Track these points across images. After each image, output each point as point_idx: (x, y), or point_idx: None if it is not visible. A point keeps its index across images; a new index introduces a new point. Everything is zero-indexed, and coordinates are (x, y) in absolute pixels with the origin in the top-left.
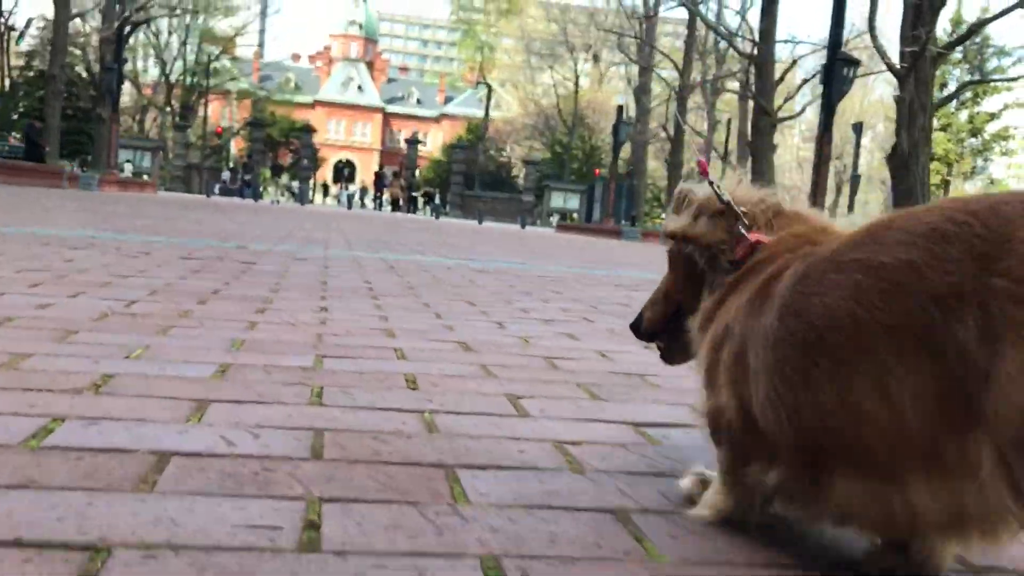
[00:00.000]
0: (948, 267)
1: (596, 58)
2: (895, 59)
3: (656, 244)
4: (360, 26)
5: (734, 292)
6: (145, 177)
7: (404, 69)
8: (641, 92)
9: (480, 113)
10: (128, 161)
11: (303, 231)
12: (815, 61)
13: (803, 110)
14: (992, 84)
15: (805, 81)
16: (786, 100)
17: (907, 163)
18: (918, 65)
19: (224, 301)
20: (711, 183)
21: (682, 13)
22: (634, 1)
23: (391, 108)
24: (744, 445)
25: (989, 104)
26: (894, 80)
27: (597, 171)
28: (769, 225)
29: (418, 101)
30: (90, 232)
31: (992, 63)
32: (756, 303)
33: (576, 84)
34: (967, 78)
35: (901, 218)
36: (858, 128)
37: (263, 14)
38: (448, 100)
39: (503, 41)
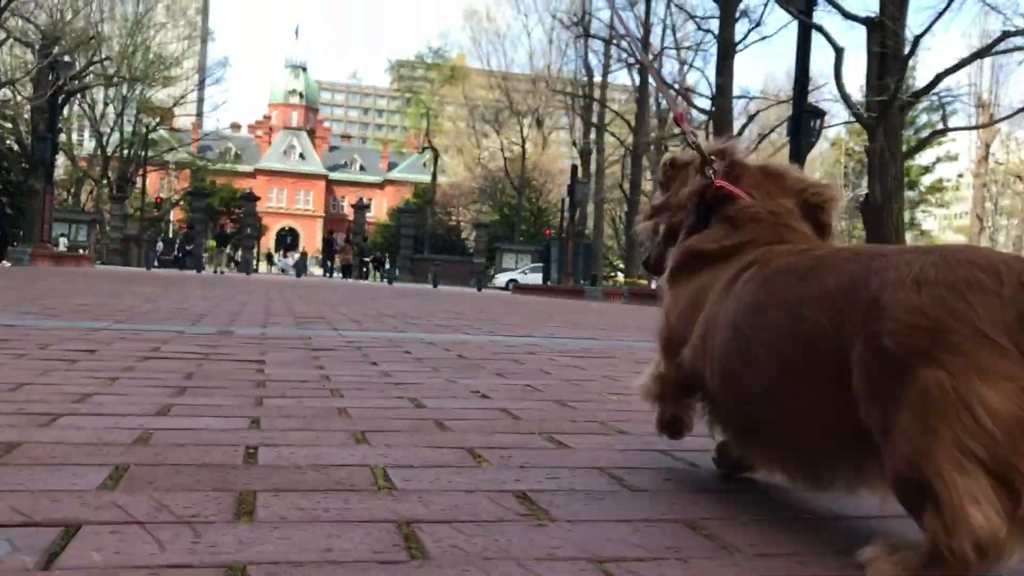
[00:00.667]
0: (849, 317)
1: (540, 123)
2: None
3: (619, 303)
4: (301, 95)
5: (715, 267)
6: (81, 251)
7: (346, 137)
8: (592, 152)
9: (424, 178)
10: (63, 235)
11: (280, 305)
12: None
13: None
14: (925, 138)
15: (764, 136)
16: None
17: (880, 213)
18: (887, 114)
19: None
20: (685, 132)
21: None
22: (577, 66)
23: (334, 175)
24: (678, 382)
25: (923, 158)
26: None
27: (548, 231)
28: (758, 183)
29: (361, 168)
30: (5, 320)
31: (937, 115)
32: (726, 292)
33: (523, 147)
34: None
35: (834, 260)
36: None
37: (201, 84)
38: (392, 166)
39: (447, 108)
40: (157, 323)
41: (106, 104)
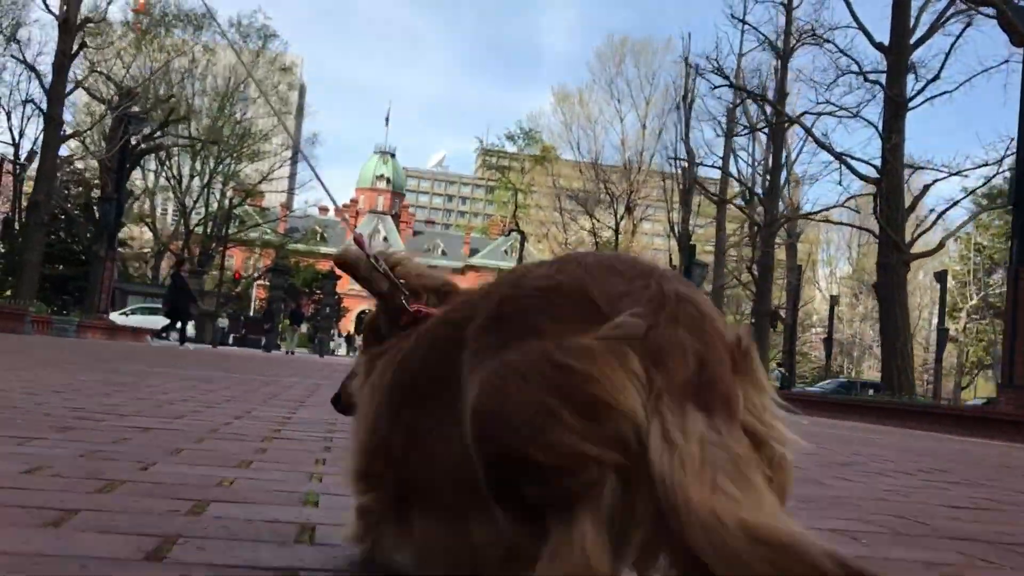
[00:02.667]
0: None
1: (630, 209)
2: None
3: None
4: (388, 180)
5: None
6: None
7: (430, 222)
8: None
9: (507, 263)
10: (133, 308)
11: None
12: (950, 186)
13: (941, 244)
14: None
15: (945, 210)
16: (919, 233)
17: None
18: None
19: None
20: (370, 256)
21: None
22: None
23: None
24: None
25: None
26: None
27: None
28: (442, 299)
29: (443, 252)
30: None
31: None
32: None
33: (616, 231)
34: None
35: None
36: None
37: (294, 158)
38: (474, 252)
39: (533, 193)
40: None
41: (192, 176)
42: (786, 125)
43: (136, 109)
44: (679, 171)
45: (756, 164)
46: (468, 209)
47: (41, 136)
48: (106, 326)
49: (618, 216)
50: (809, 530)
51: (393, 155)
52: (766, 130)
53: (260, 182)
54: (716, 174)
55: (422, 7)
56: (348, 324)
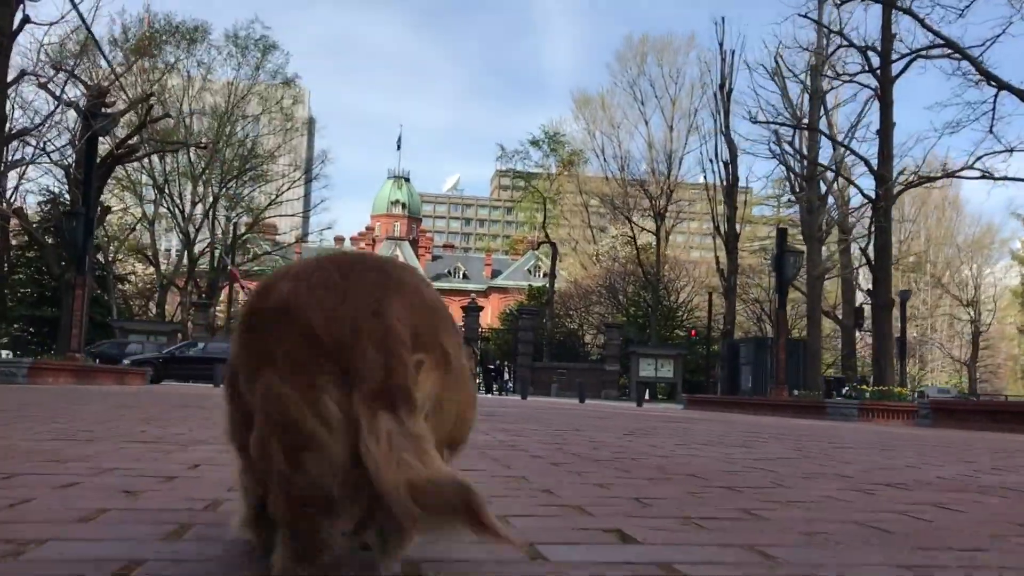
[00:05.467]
0: None
1: (661, 215)
2: None
3: (908, 427)
4: (404, 205)
5: None
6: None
7: (449, 246)
8: (806, 213)
9: (537, 283)
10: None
11: None
12: None
13: None
14: None
15: None
16: None
17: None
18: None
19: None
20: (234, 278)
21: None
22: (720, 145)
23: (437, 284)
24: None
25: None
26: None
27: (693, 331)
28: None
29: (464, 276)
30: None
31: None
32: None
33: (658, 237)
34: None
35: None
36: None
37: (308, 174)
38: (495, 274)
39: (562, 203)
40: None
41: (194, 203)
42: (908, 59)
43: (107, 109)
44: (720, 166)
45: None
46: (486, 231)
47: None
48: (74, 368)
49: (659, 221)
50: (454, 470)
51: (407, 179)
52: (874, 84)
53: (268, 205)
54: (763, 167)
55: (426, 37)
56: None
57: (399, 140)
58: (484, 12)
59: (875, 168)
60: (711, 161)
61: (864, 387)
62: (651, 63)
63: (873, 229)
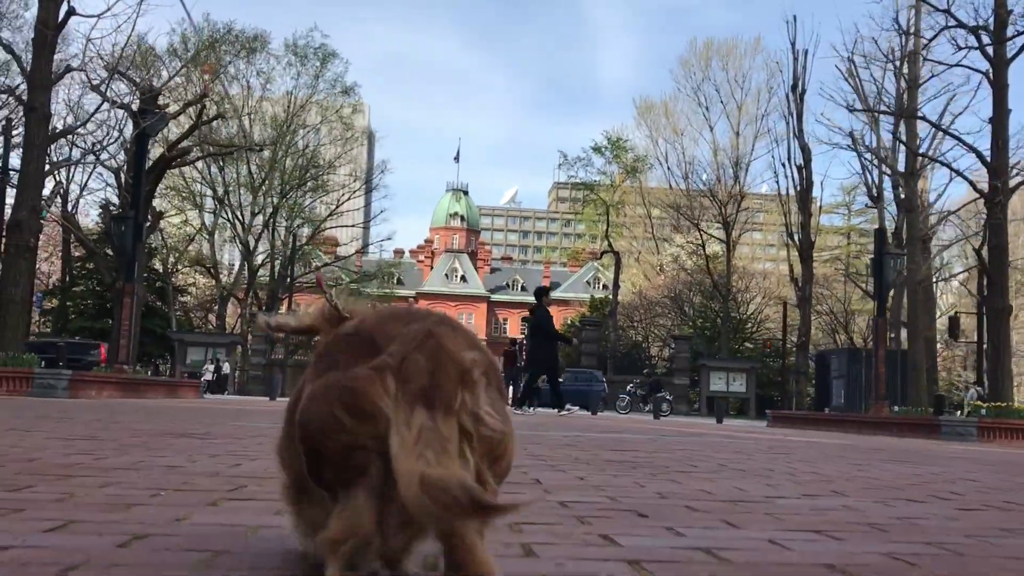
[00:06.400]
0: None
1: (728, 224)
2: None
3: None
4: (462, 218)
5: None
6: (185, 375)
7: (507, 259)
8: (904, 210)
9: (598, 294)
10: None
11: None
12: None
13: None
14: None
15: None
16: None
17: None
18: None
19: None
20: (327, 293)
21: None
22: (793, 147)
23: (496, 296)
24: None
25: None
26: None
27: (768, 343)
28: None
29: (523, 288)
30: None
31: None
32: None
33: (728, 245)
34: None
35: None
36: None
37: (368, 183)
38: (554, 286)
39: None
40: None
41: (254, 213)
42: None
43: (158, 109)
44: (793, 170)
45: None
46: (544, 244)
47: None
48: (119, 380)
49: (728, 229)
50: (465, 474)
51: (466, 192)
52: (984, 67)
53: (329, 216)
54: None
55: (481, 53)
56: None
57: (458, 153)
58: (539, 27)
59: (988, 160)
60: (783, 165)
61: (980, 403)
62: (716, 68)
63: (986, 227)
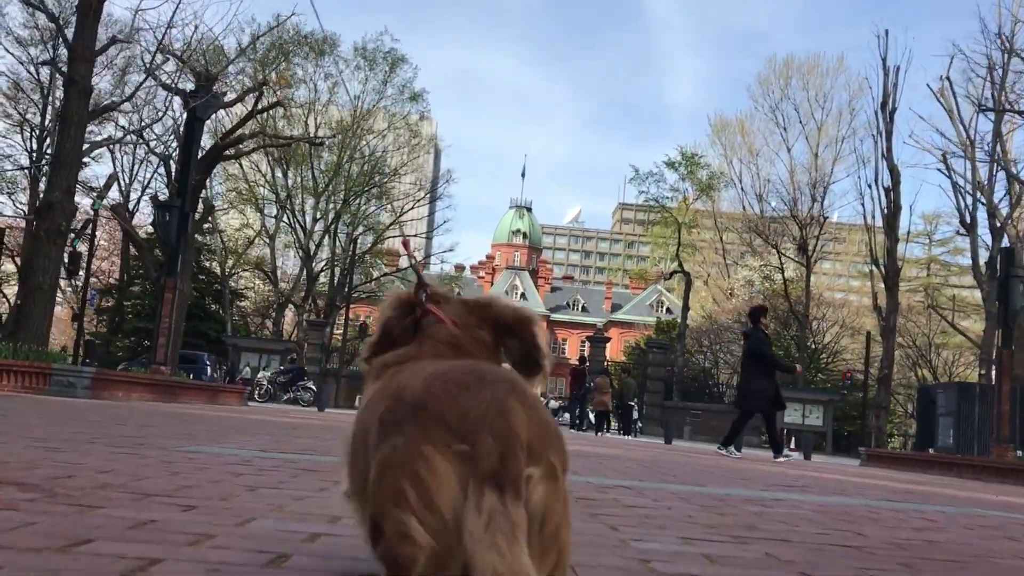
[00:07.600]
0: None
1: (803, 248)
2: None
3: None
4: (525, 235)
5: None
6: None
7: (568, 278)
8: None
9: (657, 317)
10: (249, 365)
11: None
12: None
13: None
14: None
15: None
16: None
17: None
18: None
19: None
20: (410, 258)
21: None
22: (880, 167)
23: (556, 316)
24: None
25: None
26: None
27: (847, 373)
28: (460, 313)
29: (583, 308)
30: None
31: None
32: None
33: (808, 269)
34: None
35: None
36: None
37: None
38: (615, 308)
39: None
40: None
41: (316, 219)
42: None
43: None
44: (880, 192)
45: None
46: (606, 265)
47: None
48: (151, 382)
49: (808, 252)
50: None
51: (529, 209)
52: None
53: (392, 224)
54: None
55: (547, 72)
56: None
57: (523, 169)
58: (606, 47)
59: None
60: (869, 187)
61: None
62: (795, 87)
63: None
